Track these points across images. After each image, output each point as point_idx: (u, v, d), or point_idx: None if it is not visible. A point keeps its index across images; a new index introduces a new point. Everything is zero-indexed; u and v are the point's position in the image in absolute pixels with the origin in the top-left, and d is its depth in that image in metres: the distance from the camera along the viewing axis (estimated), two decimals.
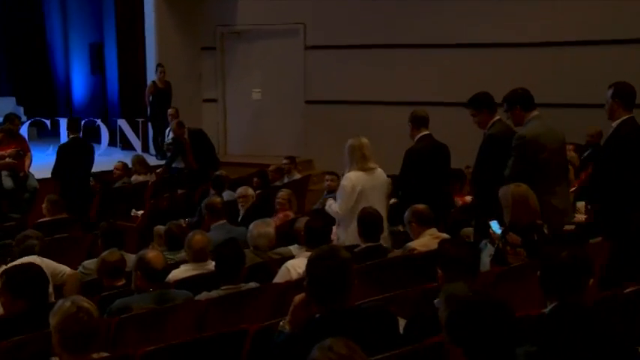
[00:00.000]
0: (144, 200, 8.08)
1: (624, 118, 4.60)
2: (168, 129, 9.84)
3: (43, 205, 6.84)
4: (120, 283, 4.21)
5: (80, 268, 4.90)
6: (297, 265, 4.19)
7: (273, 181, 8.32)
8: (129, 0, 11.88)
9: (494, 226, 4.44)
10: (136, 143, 11.69)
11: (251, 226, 4.97)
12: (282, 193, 6.56)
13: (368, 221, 4.65)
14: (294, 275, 4.14)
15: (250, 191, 7.00)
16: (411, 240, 4.74)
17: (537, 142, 4.70)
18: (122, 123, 11.78)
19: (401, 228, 5.23)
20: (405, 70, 10.26)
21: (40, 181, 8.65)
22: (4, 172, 8.10)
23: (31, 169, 8.52)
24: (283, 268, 4.31)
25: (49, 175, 8.37)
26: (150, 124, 11.34)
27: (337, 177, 6.99)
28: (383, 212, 5.32)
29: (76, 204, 7.47)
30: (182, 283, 4.21)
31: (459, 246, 3.24)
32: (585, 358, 2.48)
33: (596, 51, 9.05)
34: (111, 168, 9.91)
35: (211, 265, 4.45)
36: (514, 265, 4.03)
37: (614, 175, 4.58)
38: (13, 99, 13.84)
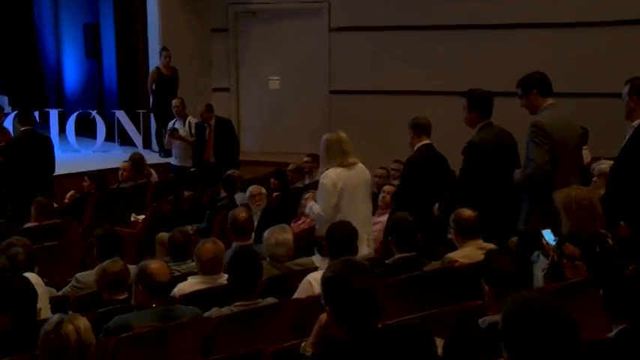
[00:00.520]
0: (145, 203, 8.14)
1: None
2: (173, 121, 9.89)
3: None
4: (122, 297, 4.25)
5: (73, 282, 4.96)
6: (320, 279, 4.19)
7: (292, 183, 8.35)
8: None
9: (548, 236, 4.42)
10: (137, 138, 11.78)
11: (266, 234, 5.00)
12: (311, 194, 6.51)
13: (401, 228, 4.67)
14: (318, 290, 4.13)
15: (264, 189, 7.03)
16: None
17: (551, 130, 4.85)
18: (121, 115, 11.88)
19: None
20: (446, 55, 10.26)
21: None
22: None
23: None
24: (305, 281, 4.34)
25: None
26: (152, 117, 11.43)
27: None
28: (367, 212, 5.59)
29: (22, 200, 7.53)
30: (189, 298, 4.24)
31: (509, 258, 3.22)
32: None
33: None
34: (108, 166, 10.07)
35: (223, 278, 4.48)
36: (572, 280, 3.99)
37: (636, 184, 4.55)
38: None
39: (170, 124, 9.95)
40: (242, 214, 5.44)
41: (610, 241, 4.16)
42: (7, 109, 12.90)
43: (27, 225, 6.84)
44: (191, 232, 6.92)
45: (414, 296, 4.17)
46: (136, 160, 8.96)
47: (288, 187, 8.13)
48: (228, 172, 7.86)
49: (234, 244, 5.54)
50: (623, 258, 2.86)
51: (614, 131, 5.62)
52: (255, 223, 5.97)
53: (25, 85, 14.19)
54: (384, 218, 6.01)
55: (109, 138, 12.01)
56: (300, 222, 6.62)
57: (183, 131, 9.79)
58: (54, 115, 11.90)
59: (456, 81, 9.24)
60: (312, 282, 4.27)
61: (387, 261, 4.62)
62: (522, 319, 2.14)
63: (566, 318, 2.14)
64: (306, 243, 5.51)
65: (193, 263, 4.96)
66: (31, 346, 3.11)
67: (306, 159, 8.65)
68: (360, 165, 5.61)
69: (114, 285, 4.31)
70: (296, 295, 4.31)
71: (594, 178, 5.85)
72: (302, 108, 11.36)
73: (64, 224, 7.08)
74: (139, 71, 11.97)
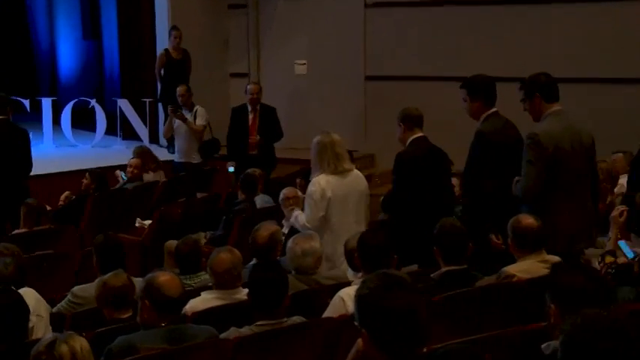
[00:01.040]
0: (151, 206, 8.20)
1: None
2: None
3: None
4: (126, 316, 4.28)
5: (69, 296, 5.01)
6: (353, 295, 4.19)
7: None
8: None
9: (625, 248, 4.38)
10: (142, 131, 11.86)
11: (290, 243, 5.02)
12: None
13: (449, 236, 4.65)
14: (351, 308, 4.13)
15: (300, 192, 6.98)
16: None
17: (550, 141, 5.04)
18: (124, 104, 11.94)
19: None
20: (506, 36, 10.23)
21: None
22: None
23: None
24: (336, 298, 4.34)
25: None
26: (160, 106, 11.48)
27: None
28: (361, 226, 5.73)
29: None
30: (203, 316, 4.26)
31: (580, 272, 3.19)
32: None
33: None
34: (109, 164, 10.14)
35: (242, 293, 4.50)
36: None
37: None
38: None
39: (168, 119, 9.97)
40: (263, 232, 5.31)
41: None
42: None
43: (16, 231, 6.91)
44: (205, 239, 6.99)
45: (464, 316, 4.16)
46: (144, 153, 9.02)
47: None
48: (247, 171, 7.87)
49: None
50: None
51: None
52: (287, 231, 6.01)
53: (14, 69, 14.35)
54: None
55: (111, 131, 12.09)
56: None
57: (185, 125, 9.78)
58: (47, 104, 11.99)
59: (513, 65, 9.26)
60: (345, 298, 4.27)
61: (432, 275, 4.61)
62: (583, 344, 2.09)
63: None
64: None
65: (207, 276, 4.99)
66: None
67: None
68: (356, 172, 5.82)
69: (116, 301, 4.33)
70: (326, 314, 4.31)
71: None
72: (333, 97, 11.36)
73: (58, 230, 7.14)
74: (145, 54, 12.05)
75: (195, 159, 9.90)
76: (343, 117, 11.04)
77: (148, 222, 7.76)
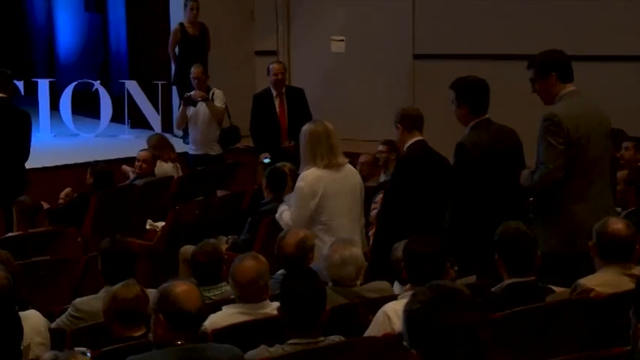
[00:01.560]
0: (165, 206, 8.24)
1: None
2: (192, 93, 9.89)
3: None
4: (138, 333, 4.29)
5: (70, 310, 5.05)
6: (400, 311, 4.18)
7: (365, 179, 8.32)
8: None
9: None
10: (154, 118, 11.94)
11: (327, 250, 5.05)
12: (381, 197, 6.62)
13: (514, 244, 4.63)
14: (398, 326, 4.12)
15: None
16: None
17: (570, 123, 5.20)
18: (132, 87, 12.03)
19: None
20: (564, 11, 10.21)
21: None
22: None
23: None
24: (380, 314, 4.34)
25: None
26: (175, 90, 11.54)
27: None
28: (356, 225, 6.00)
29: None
30: (225, 333, 4.28)
31: None
32: None
33: None
34: (115, 156, 10.22)
35: (270, 307, 4.52)
36: None
37: None
38: None
39: (186, 94, 9.95)
40: (290, 239, 5.34)
41: None
42: None
43: (9, 234, 6.98)
44: (226, 245, 7.01)
45: (530, 337, 4.16)
46: (161, 143, 9.02)
47: None
48: (275, 165, 7.88)
49: None
50: None
51: None
52: None
53: (7, 47, 14.47)
54: None
55: (117, 118, 12.18)
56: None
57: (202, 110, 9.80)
58: (43, 86, 12.10)
59: (574, 42, 9.25)
60: (391, 314, 4.28)
61: (493, 289, 4.59)
62: None
63: None
64: None
65: (228, 287, 5.00)
66: None
67: (380, 147, 8.63)
68: (349, 166, 6.04)
69: (128, 317, 4.34)
70: (369, 332, 4.32)
71: None
72: (375, 78, 11.34)
73: (57, 232, 7.20)
74: (157, 29, 12.11)
75: (215, 150, 9.90)
76: (387, 101, 10.98)
77: (160, 224, 7.82)
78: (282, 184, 7.63)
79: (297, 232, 5.42)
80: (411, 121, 6.09)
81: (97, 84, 12.24)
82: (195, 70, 9.92)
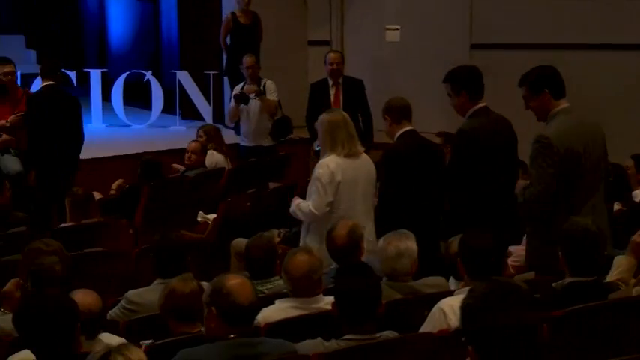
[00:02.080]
0: (216, 198, 8.28)
1: None
2: (241, 84, 9.90)
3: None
4: (196, 330, 4.30)
5: (123, 302, 5.11)
6: (457, 306, 4.17)
7: None
8: None
9: None
10: (205, 109, 12.02)
11: (382, 242, 5.03)
12: None
13: (579, 241, 4.58)
14: (454, 322, 4.14)
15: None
16: None
17: (562, 144, 5.28)
18: (183, 77, 12.12)
19: None
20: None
21: None
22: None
23: None
24: (436, 310, 4.34)
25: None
26: (226, 80, 11.59)
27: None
28: (370, 214, 6.14)
29: (50, 186, 7.84)
30: (277, 327, 4.30)
31: None
32: None
33: None
34: (166, 147, 10.29)
35: (323, 301, 4.53)
36: None
37: None
38: (22, 38, 14.56)
39: (237, 88, 9.95)
40: (341, 230, 5.37)
41: None
42: (35, 67, 13.37)
43: (62, 225, 7.07)
44: (278, 238, 7.04)
45: (591, 335, 4.11)
46: (213, 134, 9.09)
47: None
48: None
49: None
50: None
51: None
52: None
53: (59, 37, 14.65)
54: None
55: (168, 109, 12.28)
56: None
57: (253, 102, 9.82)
58: (96, 76, 12.22)
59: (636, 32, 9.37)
60: (447, 310, 4.28)
61: (554, 284, 4.56)
62: None
63: None
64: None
65: (281, 281, 5.03)
66: None
67: (436, 140, 8.60)
68: (365, 156, 6.18)
69: (184, 312, 4.35)
70: (424, 328, 4.31)
71: None
72: (431, 68, 11.25)
73: (109, 224, 7.27)
74: (209, 18, 12.17)
75: (267, 142, 9.90)
76: (442, 92, 10.80)
77: (212, 216, 7.85)
78: None
79: (346, 222, 5.44)
80: (397, 112, 6.27)
81: (148, 74, 12.34)
82: (247, 60, 9.89)
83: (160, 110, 12.20)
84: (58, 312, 3.58)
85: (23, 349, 3.81)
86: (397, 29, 11.57)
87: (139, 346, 3.99)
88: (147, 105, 12.39)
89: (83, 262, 6.01)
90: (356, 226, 5.41)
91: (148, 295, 4.98)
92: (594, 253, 4.59)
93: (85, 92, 11.99)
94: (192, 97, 12.07)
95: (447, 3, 11.19)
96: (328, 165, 5.98)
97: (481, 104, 5.87)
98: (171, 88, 12.25)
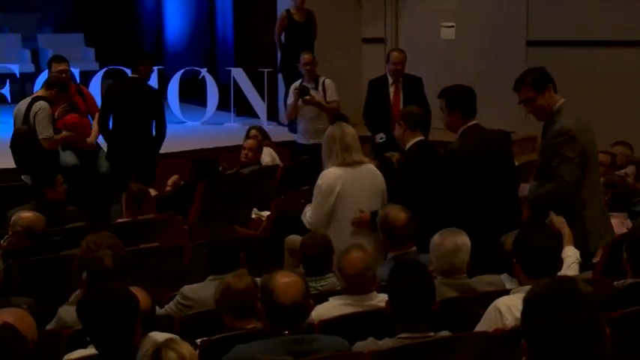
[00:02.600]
0: (270, 195, 8.30)
1: None
2: (299, 81, 9.86)
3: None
4: (250, 326, 4.32)
5: (178, 297, 5.15)
6: (513, 306, 4.16)
7: None
8: None
9: None
10: (259, 106, 12.07)
11: (438, 238, 5.00)
12: None
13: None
14: (511, 321, 4.12)
15: None
16: None
17: (581, 136, 5.49)
18: (238, 74, 12.19)
19: None
20: None
21: None
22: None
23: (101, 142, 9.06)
24: (492, 308, 4.30)
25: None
26: (281, 77, 11.63)
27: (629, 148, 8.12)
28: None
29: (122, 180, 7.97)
30: (331, 324, 4.30)
31: None
32: None
33: None
34: (221, 144, 10.34)
35: (377, 299, 4.53)
36: None
37: None
38: (81, 36, 14.74)
39: (295, 84, 9.89)
40: (401, 214, 5.49)
41: None
42: (94, 65, 13.55)
43: (118, 220, 7.14)
44: None
45: None
46: (263, 132, 9.18)
47: None
48: (384, 155, 7.87)
49: (389, 255, 5.60)
50: None
51: None
52: None
53: (117, 35, 14.80)
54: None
55: (223, 106, 12.35)
56: None
57: (316, 95, 9.82)
58: (152, 74, 12.25)
59: None
60: (502, 309, 4.23)
61: (615, 283, 4.53)
62: None
63: None
64: None
65: (335, 278, 5.03)
66: None
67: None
68: (370, 166, 6.38)
69: (239, 308, 4.37)
70: (479, 327, 4.29)
71: None
72: (486, 66, 11.24)
73: (164, 220, 7.31)
74: (263, 16, 12.21)
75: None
76: (498, 90, 10.84)
77: (265, 213, 7.86)
78: (390, 173, 7.62)
79: (401, 209, 5.58)
80: (415, 120, 6.38)
81: (203, 71, 12.42)
82: (305, 57, 9.84)
83: (215, 107, 12.29)
84: (120, 305, 3.62)
85: (83, 341, 3.87)
86: (452, 26, 11.53)
87: (194, 341, 4.03)
88: (202, 102, 12.47)
89: (139, 257, 6.05)
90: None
91: (202, 291, 5.02)
92: None
93: None
94: (246, 95, 12.13)
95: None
96: (327, 176, 6.20)
97: (472, 123, 6.00)
98: (226, 85, 12.34)
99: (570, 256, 4.96)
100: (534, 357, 2.60)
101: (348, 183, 6.16)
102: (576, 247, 5.08)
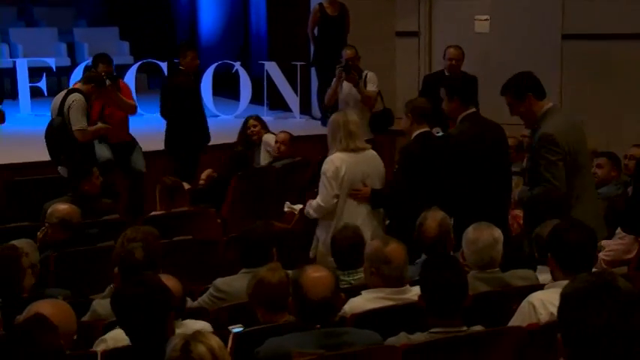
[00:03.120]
0: (303, 188, 8.31)
1: None
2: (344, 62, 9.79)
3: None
4: (283, 319, 4.32)
5: (211, 290, 5.17)
6: (548, 301, 4.15)
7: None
8: None
9: None
10: (292, 100, 12.07)
11: (471, 232, 4.96)
12: (516, 180, 6.68)
13: None
14: (545, 316, 4.11)
15: None
16: None
17: (563, 140, 5.58)
18: (271, 68, 12.19)
19: None
20: None
21: (149, 155, 9.23)
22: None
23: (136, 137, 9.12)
24: (526, 303, 4.28)
25: (163, 147, 9.08)
26: (314, 71, 11.63)
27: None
28: (374, 211, 6.47)
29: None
30: (364, 318, 4.30)
31: None
32: None
33: None
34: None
35: (411, 292, 4.52)
36: None
37: None
38: (116, 30, 14.84)
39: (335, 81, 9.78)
40: (431, 222, 5.35)
41: None
42: (128, 58, 13.62)
43: (152, 213, 7.18)
44: None
45: None
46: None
47: None
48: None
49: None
50: None
51: None
52: None
53: (151, 28, 14.88)
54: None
55: (256, 99, 12.36)
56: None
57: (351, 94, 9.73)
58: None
59: None
60: (536, 304, 4.21)
61: None
62: None
63: None
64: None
65: None
66: None
67: (525, 132, 8.48)
68: (372, 152, 6.62)
69: (272, 301, 4.37)
70: (513, 322, 4.27)
71: None
72: (521, 59, 11.12)
73: (197, 213, 7.35)
74: (297, 9, 12.21)
75: (365, 135, 9.78)
76: None
77: (298, 206, 7.86)
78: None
79: (435, 214, 5.40)
80: (422, 113, 6.49)
81: (237, 65, 12.45)
82: (347, 53, 9.77)
83: (248, 101, 12.30)
84: (154, 299, 3.65)
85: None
86: (487, 20, 11.47)
87: (228, 333, 4.05)
88: (235, 95, 12.50)
89: (173, 249, 6.09)
90: (445, 217, 5.41)
91: (235, 284, 5.04)
92: None
93: None
94: (279, 88, 12.13)
95: None
96: (333, 160, 6.42)
97: (471, 110, 6.16)
98: (259, 78, 12.35)
99: None
100: (571, 352, 2.58)
101: (352, 167, 6.40)
102: None
